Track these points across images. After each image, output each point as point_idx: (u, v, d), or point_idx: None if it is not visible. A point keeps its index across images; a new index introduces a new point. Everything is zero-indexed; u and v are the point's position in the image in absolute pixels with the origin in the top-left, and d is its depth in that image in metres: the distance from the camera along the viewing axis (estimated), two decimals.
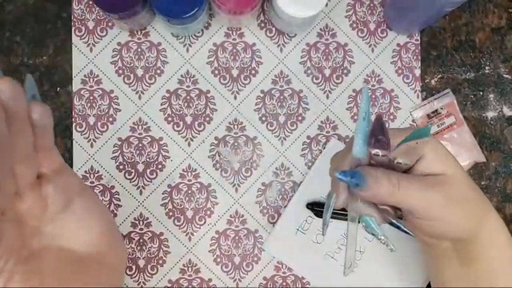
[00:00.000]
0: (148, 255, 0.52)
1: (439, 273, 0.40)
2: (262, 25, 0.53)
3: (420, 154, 0.33)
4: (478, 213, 0.35)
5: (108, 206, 0.52)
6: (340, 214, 0.51)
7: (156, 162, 0.52)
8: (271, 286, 0.52)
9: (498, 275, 0.37)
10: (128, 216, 0.52)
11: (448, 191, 0.33)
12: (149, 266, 0.52)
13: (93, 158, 0.52)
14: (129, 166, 0.52)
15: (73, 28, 0.52)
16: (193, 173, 0.52)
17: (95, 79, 0.52)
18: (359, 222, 0.34)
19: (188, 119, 0.53)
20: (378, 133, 0.30)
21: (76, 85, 0.52)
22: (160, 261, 0.52)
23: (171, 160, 0.52)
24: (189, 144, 0.53)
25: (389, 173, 0.32)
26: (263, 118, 0.53)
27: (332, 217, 0.51)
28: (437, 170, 0.33)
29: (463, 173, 0.35)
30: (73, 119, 0.52)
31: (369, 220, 0.33)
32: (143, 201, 0.52)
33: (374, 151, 0.31)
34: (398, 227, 0.35)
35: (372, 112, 0.54)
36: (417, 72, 0.54)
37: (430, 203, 0.32)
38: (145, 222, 0.52)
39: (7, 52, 0.52)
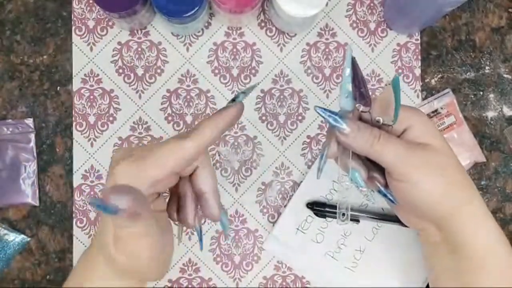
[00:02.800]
0: None
1: (429, 265, 0.41)
2: (262, 24, 0.53)
3: (408, 123, 0.35)
4: (458, 192, 0.35)
5: None
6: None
7: None
8: (271, 285, 0.52)
9: (485, 266, 0.36)
10: None
11: (429, 158, 0.34)
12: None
13: (93, 157, 0.52)
14: None
15: (73, 27, 0.52)
16: None
17: (96, 78, 0.52)
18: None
19: (188, 119, 0.53)
20: (361, 84, 0.33)
21: (76, 84, 0.52)
22: None
23: None
24: None
25: (373, 127, 0.34)
26: (263, 118, 0.53)
27: (332, 217, 0.51)
28: (425, 140, 0.34)
29: (451, 151, 0.35)
30: (73, 118, 0.52)
31: (356, 173, 0.36)
32: None
33: (358, 105, 0.34)
34: (385, 195, 0.37)
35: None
36: (417, 71, 0.54)
37: (406, 163, 0.33)
38: None
39: (8, 51, 0.52)
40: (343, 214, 0.37)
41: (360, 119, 0.35)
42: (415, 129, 0.35)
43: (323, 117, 0.34)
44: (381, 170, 0.37)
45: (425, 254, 0.41)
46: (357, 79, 0.33)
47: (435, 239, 0.38)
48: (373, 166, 0.37)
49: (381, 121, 0.35)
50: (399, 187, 0.35)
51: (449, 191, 0.35)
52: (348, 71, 0.33)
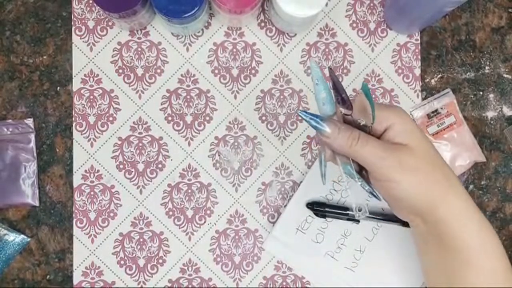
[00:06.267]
0: (148, 254, 0.52)
1: (420, 259, 0.42)
2: (262, 24, 0.53)
3: (388, 123, 0.37)
4: (433, 189, 0.36)
5: (108, 205, 0.52)
6: (340, 214, 0.51)
7: (156, 161, 0.52)
8: (271, 285, 0.52)
9: (470, 259, 0.37)
10: (128, 215, 0.52)
11: (404, 158, 0.36)
12: (149, 266, 0.52)
13: (93, 158, 0.52)
14: (129, 165, 0.52)
15: (73, 28, 0.52)
16: (193, 172, 0.53)
17: (95, 79, 0.52)
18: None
19: (188, 119, 0.53)
20: (340, 91, 0.35)
21: (76, 84, 0.52)
22: (160, 261, 0.52)
23: (171, 160, 0.52)
24: (189, 144, 0.53)
25: (353, 129, 0.36)
26: (263, 118, 0.53)
27: (332, 217, 0.51)
28: (402, 140, 0.36)
29: (428, 149, 0.37)
30: (73, 119, 0.52)
31: (348, 166, 0.38)
32: (143, 201, 0.52)
33: (341, 109, 0.37)
34: (371, 192, 0.39)
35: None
36: (417, 71, 0.54)
37: (383, 164, 0.35)
38: (145, 221, 0.52)
39: (8, 51, 0.52)
40: (359, 210, 0.40)
41: (344, 121, 0.38)
42: (395, 129, 0.37)
43: (305, 120, 0.36)
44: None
45: (416, 247, 0.42)
46: (337, 87, 0.36)
47: (423, 235, 0.39)
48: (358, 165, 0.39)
49: (362, 122, 0.37)
50: (378, 185, 0.37)
51: (423, 186, 0.36)
52: (317, 82, 0.36)
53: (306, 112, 0.36)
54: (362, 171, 0.39)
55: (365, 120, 0.37)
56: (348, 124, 0.37)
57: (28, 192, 0.51)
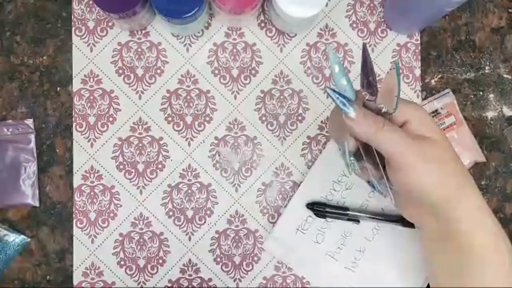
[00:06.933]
0: (148, 254, 0.52)
1: (429, 262, 0.41)
2: (262, 25, 0.53)
3: (407, 117, 0.36)
4: (452, 180, 0.36)
5: (108, 206, 0.52)
6: (340, 214, 0.51)
7: (156, 162, 0.52)
8: (271, 285, 0.52)
9: (484, 259, 0.36)
10: (128, 215, 0.52)
11: (427, 148, 0.35)
12: (149, 266, 0.52)
13: (93, 158, 0.52)
14: (129, 166, 0.52)
15: (73, 28, 0.52)
16: (193, 173, 0.53)
17: (95, 79, 0.52)
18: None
19: (188, 119, 0.53)
20: (368, 73, 0.34)
21: (76, 85, 0.52)
22: (160, 261, 0.52)
23: (171, 160, 0.52)
24: (189, 144, 0.53)
25: (378, 116, 0.35)
26: (263, 118, 0.53)
27: (332, 217, 0.51)
28: (425, 133, 0.36)
29: (449, 145, 0.37)
30: (73, 119, 0.52)
31: (345, 142, 0.37)
32: (143, 201, 0.52)
33: (364, 93, 0.35)
34: (373, 186, 0.39)
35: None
36: (417, 72, 0.54)
37: (405, 152, 0.35)
38: (145, 221, 0.52)
39: (8, 52, 0.52)
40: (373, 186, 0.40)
41: (364, 106, 0.36)
42: (414, 123, 0.36)
43: (332, 98, 0.35)
44: (375, 163, 0.38)
45: (424, 250, 0.41)
46: (366, 67, 0.34)
47: (434, 234, 0.38)
48: (369, 158, 0.39)
49: (383, 109, 0.36)
50: (397, 176, 0.36)
51: (444, 178, 0.36)
52: (336, 68, 0.34)
53: (334, 91, 0.34)
54: (365, 165, 0.39)
55: (387, 107, 0.36)
56: (369, 110, 0.36)
57: (28, 193, 0.51)
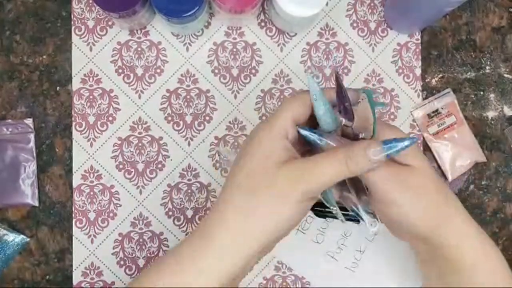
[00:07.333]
0: (148, 254, 0.52)
1: (423, 277, 0.41)
2: (263, 24, 0.53)
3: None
4: (436, 212, 0.35)
5: (107, 205, 0.52)
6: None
7: (156, 161, 0.52)
8: (271, 286, 0.52)
9: (474, 282, 0.36)
10: (128, 215, 0.52)
11: (408, 179, 0.34)
12: (149, 266, 0.52)
13: (93, 158, 0.52)
14: (128, 165, 0.52)
15: (73, 27, 0.52)
16: (193, 172, 0.52)
17: (95, 78, 0.52)
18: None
19: (188, 119, 0.53)
20: (344, 99, 0.33)
21: (76, 84, 0.52)
22: None
23: (171, 160, 0.52)
24: (189, 144, 0.53)
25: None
26: (264, 118, 0.53)
27: (332, 217, 0.51)
28: (404, 161, 0.35)
29: (430, 171, 0.36)
30: (72, 119, 0.52)
31: (328, 192, 0.37)
32: (143, 201, 0.52)
33: (341, 119, 0.34)
34: (356, 214, 0.38)
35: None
36: (418, 71, 0.54)
37: (386, 183, 0.34)
38: (144, 221, 0.52)
39: (7, 51, 0.52)
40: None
41: (342, 133, 0.36)
42: None
43: (305, 136, 0.34)
44: (358, 188, 0.37)
45: (418, 266, 0.41)
46: (341, 94, 0.34)
47: (425, 255, 0.38)
48: (350, 185, 0.38)
49: (361, 135, 0.34)
50: (380, 207, 0.36)
51: (428, 209, 0.35)
52: (315, 98, 0.34)
53: (305, 129, 0.34)
54: (359, 194, 0.38)
55: (364, 133, 0.35)
56: (346, 137, 0.35)
57: (27, 192, 0.51)
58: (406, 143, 0.31)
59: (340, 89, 0.34)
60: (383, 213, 0.36)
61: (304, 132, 0.34)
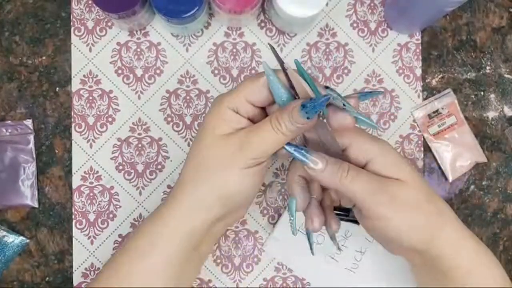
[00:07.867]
0: None
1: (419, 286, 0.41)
2: (262, 24, 0.53)
3: (368, 156, 0.35)
4: (427, 224, 0.35)
5: (107, 206, 0.52)
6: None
7: (156, 162, 0.52)
8: (272, 287, 0.52)
9: (473, 277, 0.36)
10: (128, 216, 0.52)
11: (395, 193, 0.34)
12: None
13: (93, 159, 0.52)
14: (128, 166, 0.52)
15: (72, 28, 0.52)
16: None
17: (95, 79, 0.52)
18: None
19: (188, 119, 0.52)
20: (281, 64, 0.35)
21: (75, 85, 0.52)
22: None
23: (171, 161, 0.52)
24: (188, 144, 0.52)
25: (342, 161, 0.34)
26: None
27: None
28: (392, 174, 0.34)
29: (418, 180, 0.35)
30: (72, 119, 0.52)
31: (293, 201, 0.37)
32: (142, 202, 0.52)
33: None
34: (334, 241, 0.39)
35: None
36: (418, 72, 0.54)
37: (374, 199, 0.34)
38: None
39: (6, 52, 0.52)
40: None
41: (306, 143, 0.36)
42: (377, 162, 0.35)
43: (290, 153, 0.34)
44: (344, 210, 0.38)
45: (414, 276, 0.41)
46: (282, 67, 0.35)
47: (420, 268, 0.38)
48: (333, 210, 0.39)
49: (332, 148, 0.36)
50: (369, 224, 0.35)
51: (420, 223, 0.35)
52: (268, 77, 0.35)
53: (291, 145, 0.34)
54: (349, 212, 0.38)
55: (331, 146, 0.36)
56: (312, 149, 0.35)
57: (27, 193, 0.51)
58: (321, 99, 0.32)
59: (281, 63, 0.35)
60: (374, 229, 0.36)
61: (289, 149, 0.34)
